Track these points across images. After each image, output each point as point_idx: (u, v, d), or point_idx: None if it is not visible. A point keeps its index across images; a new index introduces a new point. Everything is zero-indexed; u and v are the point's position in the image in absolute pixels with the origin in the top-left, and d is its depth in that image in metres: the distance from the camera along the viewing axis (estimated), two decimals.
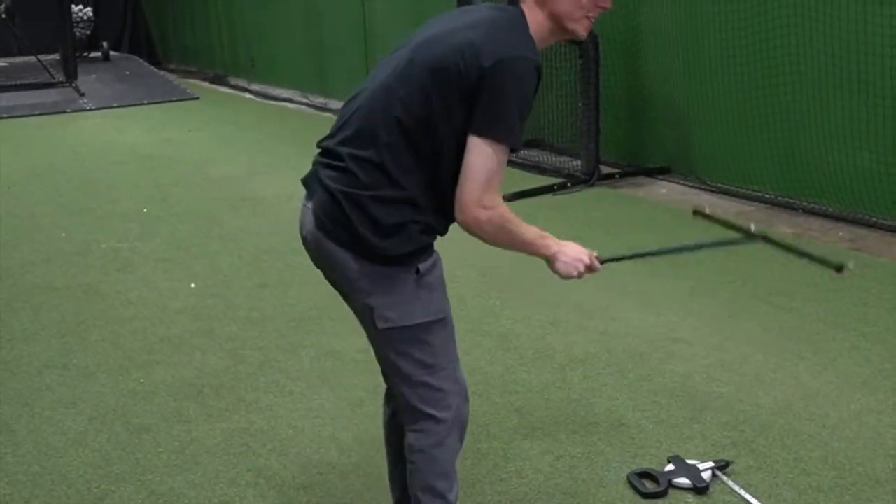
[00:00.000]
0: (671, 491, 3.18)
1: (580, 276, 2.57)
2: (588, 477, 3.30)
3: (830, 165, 6.08)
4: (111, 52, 15.65)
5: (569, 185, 7.23)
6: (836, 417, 3.63)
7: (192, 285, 5.40)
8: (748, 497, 3.13)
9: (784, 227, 6.02)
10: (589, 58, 7.15)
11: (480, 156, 2.29)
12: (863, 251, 5.55)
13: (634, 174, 7.43)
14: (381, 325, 2.44)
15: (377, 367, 4.30)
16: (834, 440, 3.47)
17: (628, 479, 3.26)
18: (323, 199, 2.40)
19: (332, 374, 4.18)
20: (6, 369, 4.36)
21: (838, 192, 6.05)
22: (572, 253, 2.54)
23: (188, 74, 15.34)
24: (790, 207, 6.28)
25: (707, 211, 2.74)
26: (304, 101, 12.10)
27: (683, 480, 3.22)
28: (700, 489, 3.18)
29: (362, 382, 4.04)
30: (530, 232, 2.48)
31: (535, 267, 5.56)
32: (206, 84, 14.47)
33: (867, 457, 3.35)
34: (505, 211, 2.37)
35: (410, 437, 2.60)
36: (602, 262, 2.62)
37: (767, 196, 6.51)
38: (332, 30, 11.73)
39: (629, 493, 3.19)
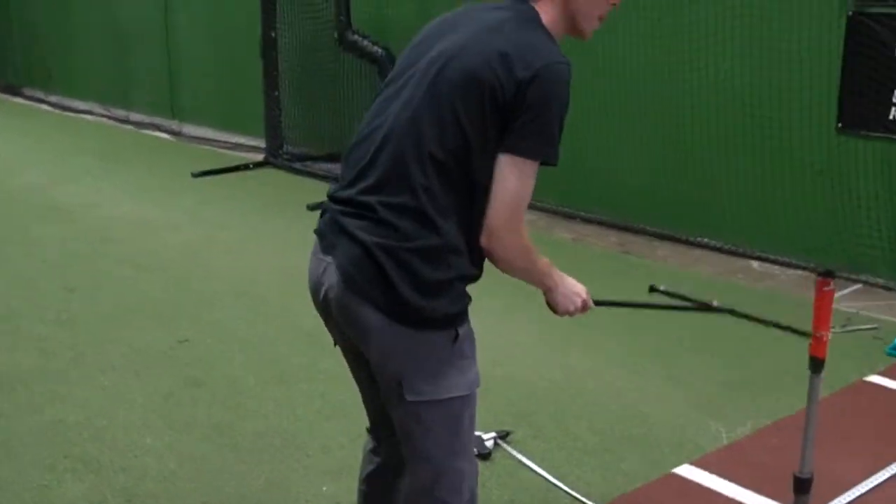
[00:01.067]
0: None
1: (576, 310, 2.42)
2: None
3: (607, 180, 6.75)
4: None
5: None
6: (602, 393, 4.17)
7: None
8: (525, 461, 3.59)
9: (564, 233, 6.64)
10: (386, 75, 7.52)
11: (517, 177, 2.07)
12: (631, 253, 6.23)
13: None
14: (410, 397, 2.15)
15: (184, 360, 4.59)
16: (598, 412, 4.00)
17: None
18: (354, 254, 2.11)
19: (142, 368, 4.38)
20: None
21: (612, 202, 6.73)
22: (572, 288, 2.40)
23: None
24: (569, 216, 6.91)
25: (662, 288, 2.74)
26: (105, 113, 11.97)
27: None
28: (484, 455, 3.60)
29: (170, 374, 4.29)
30: (542, 261, 2.29)
31: None
32: None
33: (625, 423, 3.89)
34: (528, 237, 2.19)
35: None
36: (595, 303, 2.49)
37: (549, 206, 7.11)
38: (135, 42, 11.68)
39: None
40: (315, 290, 2.26)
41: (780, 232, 5.92)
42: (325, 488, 3.40)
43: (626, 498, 3.35)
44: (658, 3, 6.23)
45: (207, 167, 8.60)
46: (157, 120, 11.07)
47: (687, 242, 6.34)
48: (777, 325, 2.73)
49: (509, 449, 3.66)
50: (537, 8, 2.20)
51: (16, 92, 14.11)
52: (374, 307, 2.10)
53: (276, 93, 8.73)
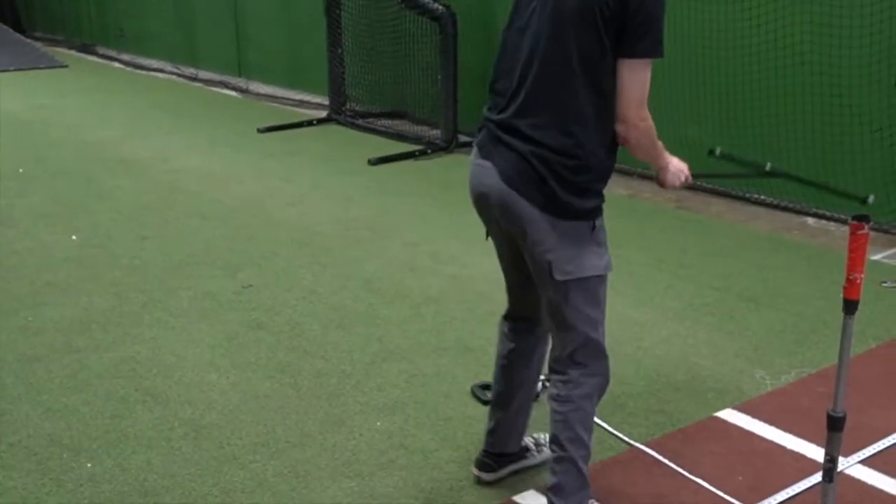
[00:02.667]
0: None
1: (681, 184, 2.87)
2: (438, 390, 3.84)
3: (664, 136, 6.76)
4: None
5: (429, 151, 7.76)
6: (649, 341, 4.28)
7: (74, 237, 5.70)
8: None
9: (621, 189, 6.70)
10: (447, 33, 7.67)
11: (637, 74, 2.50)
12: (686, 209, 6.29)
13: None
14: (559, 277, 2.61)
15: (249, 305, 4.81)
16: (646, 358, 4.11)
17: (472, 390, 3.82)
18: (511, 159, 2.59)
19: (209, 311, 4.60)
20: None
21: None
22: (679, 165, 2.85)
23: (55, 43, 15.19)
24: (625, 173, 6.96)
25: (719, 152, 3.02)
26: (175, 71, 12.25)
27: None
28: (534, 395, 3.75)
29: (236, 318, 4.50)
30: (660, 143, 2.73)
31: (391, 221, 6.11)
32: (73, 53, 14.39)
33: (671, 370, 4.00)
34: (652, 122, 2.59)
35: (560, 388, 2.78)
36: (694, 177, 2.93)
37: None
38: (203, 1, 11.92)
39: (471, 401, 3.75)
40: (476, 190, 2.75)
41: (837, 188, 5.91)
42: (378, 423, 3.58)
43: (668, 438, 3.47)
44: None
45: (273, 123, 8.82)
46: (225, 77, 11.33)
47: (742, 199, 6.38)
48: (829, 188, 3.09)
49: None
50: None
51: (90, 50, 14.50)
52: (530, 202, 2.57)
53: (340, 50, 8.88)
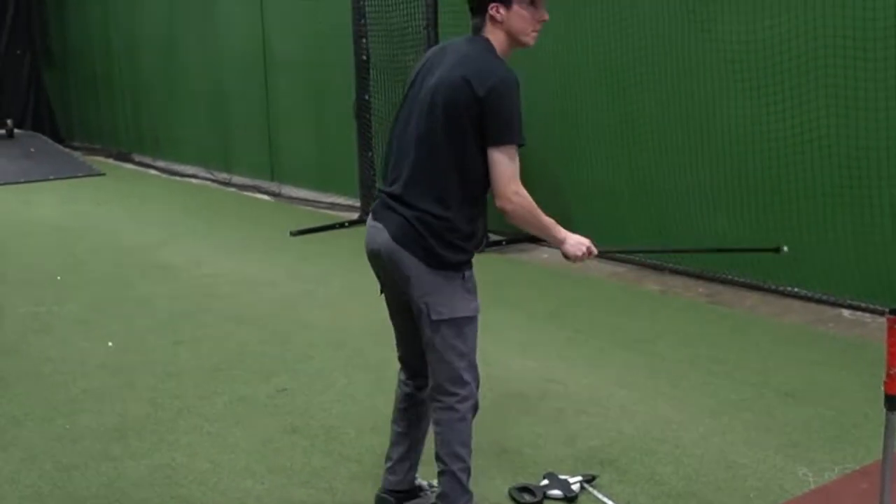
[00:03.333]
0: (546, 501, 3.70)
1: (583, 257, 3.30)
2: (475, 493, 3.78)
3: (692, 229, 6.82)
4: (15, 130, 15.79)
5: None
6: (687, 439, 4.22)
7: (110, 344, 5.76)
8: None
9: (652, 284, 6.70)
10: None
11: (503, 160, 3.05)
12: (719, 304, 6.26)
13: (519, 241, 8.05)
14: (434, 317, 3.18)
15: (284, 409, 4.81)
16: (684, 457, 4.05)
17: (509, 492, 3.78)
18: (397, 222, 3.17)
19: (244, 416, 4.61)
20: None
21: (699, 254, 6.78)
22: (578, 239, 3.31)
23: (92, 152, 15.57)
24: (657, 268, 6.98)
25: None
26: (209, 176, 12.50)
27: (556, 492, 3.75)
28: (570, 499, 3.71)
29: (271, 423, 4.50)
30: (547, 218, 3.23)
31: None
32: (110, 161, 14.72)
33: (711, 468, 3.94)
34: (530, 198, 3.11)
35: (438, 414, 3.33)
36: (599, 251, 3.35)
37: (637, 259, 7.19)
38: (237, 108, 12.22)
39: None
40: (369, 247, 3.30)
41: (869, 280, 5.89)
42: None
43: None
44: (744, 58, 6.33)
45: (305, 226, 8.94)
46: (258, 182, 11.53)
47: (776, 292, 6.34)
48: (738, 250, 3.36)
49: (595, 493, 3.75)
50: (489, 38, 3.17)
51: (126, 158, 14.84)
52: (412, 255, 3.14)
53: (370, 153, 9.04)
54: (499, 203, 3.10)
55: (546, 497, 3.73)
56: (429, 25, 8.00)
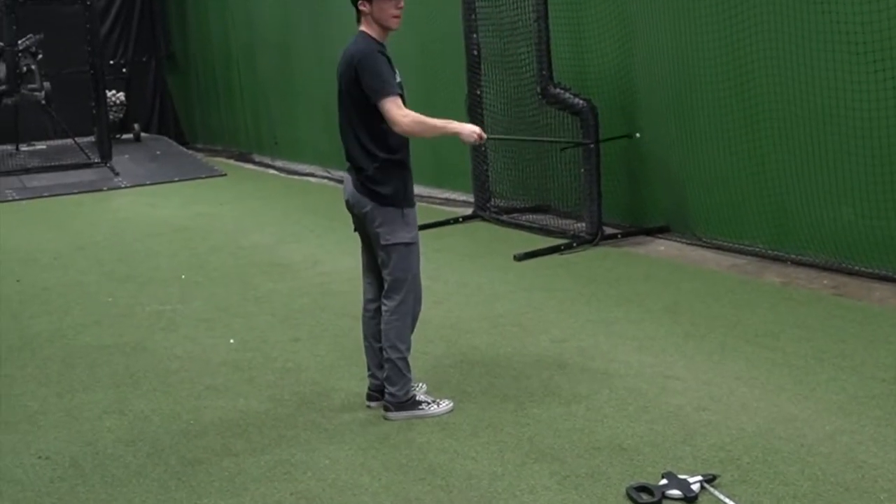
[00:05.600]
0: (665, 502, 3.62)
1: (476, 139, 4.53)
2: (591, 492, 3.74)
3: (815, 219, 6.59)
4: (142, 134, 16.41)
5: (574, 245, 7.73)
6: (813, 437, 4.07)
7: (232, 341, 5.90)
8: None
9: (774, 276, 6.50)
10: (589, 125, 7.71)
11: (387, 105, 4.27)
12: (846, 296, 6.02)
13: (635, 234, 7.93)
14: (384, 241, 4.45)
15: None
16: (810, 456, 3.91)
17: (627, 492, 3.71)
18: (354, 178, 4.49)
19: (361, 413, 4.66)
20: (70, 415, 4.87)
21: (823, 243, 6.55)
22: (470, 127, 4.55)
23: (214, 153, 16.04)
24: (779, 259, 6.76)
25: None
26: (326, 175, 12.69)
27: (675, 492, 3.66)
28: (690, 499, 3.61)
29: (388, 420, 4.53)
30: (438, 121, 4.46)
31: (538, 317, 6.08)
32: (232, 161, 15.13)
33: (839, 469, 3.78)
34: (415, 113, 4.31)
35: (384, 314, 4.52)
36: (488, 136, 4.81)
37: (758, 249, 6.99)
38: None
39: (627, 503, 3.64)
40: (345, 196, 4.58)
41: None
42: None
43: None
44: (866, 42, 6.07)
45: (420, 222, 8.96)
46: None
47: None
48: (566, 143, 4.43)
49: (716, 493, 3.64)
50: (364, 29, 4.41)
51: (247, 159, 15.23)
52: (365, 196, 4.43)
53: (483, 148, 9.03)
54: (396, 129, 4.28)
55: (665, 497, 3.64)
56: (539, 18, 7.94)
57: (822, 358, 4.98)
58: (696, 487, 3.67)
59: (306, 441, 4.37)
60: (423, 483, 3.90)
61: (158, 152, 15.42)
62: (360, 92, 4.30)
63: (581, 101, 7.79)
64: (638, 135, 4.11)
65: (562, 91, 7.94)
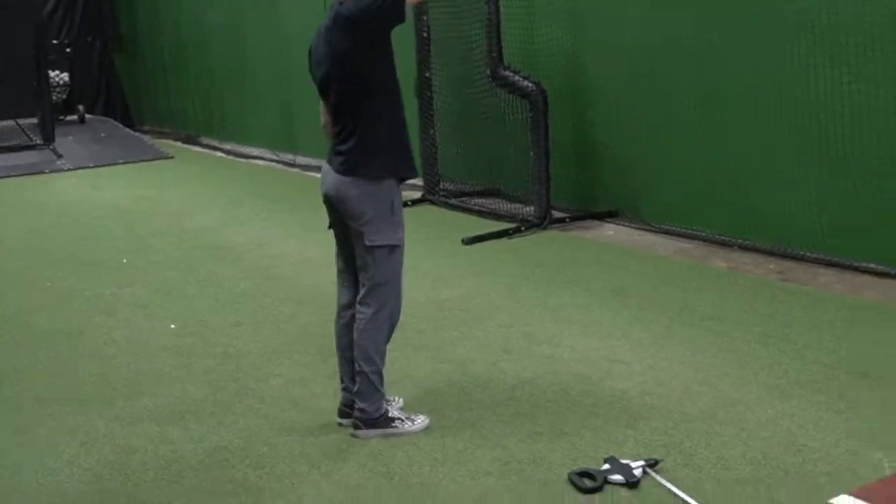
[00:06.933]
0: (607, 487, 3.58)
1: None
2: (533, 478, 3.70)
3: (763, 206, 6.59)
4: (87, 115, 16.06)
5: (523, 229, 7.69)
6: (755, 421, 4.07)
7: (172, 326, 5.78)
8: (675, 490, 3.53)
9: (720, 261, 6.51)
10: (539, 109, 7.66)
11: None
12: (791, 281, 6.05)
13: (584, 218, 7.90)
14: (368, 243, 3.96)
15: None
16: (751, 440, 3.90)
17: (569, 477, 3.67)
18: (337, 159, 4.02)
19: (300, 399, 4.58)
20: (7, 403, 4.74)
21: (769, 229, 6.56)
22: None
23: (162, 135, 15.76)
24: (726, 244, 6.77)
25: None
26: (274, 157, 12.54)
27: (617, 477, 3.62)
28: (632, 484, 3.58)
29: (328, 405, 4.44)
30: None
31: (484, 301, 6.04)
32: (179, 144, 14.88)
33: (780, 453, 3.78)
34: None
35: (358, 323, 4.06)
36: None
37: (706, 235, 7.00)
38: (301, 90, 12.20)
39: (570, 489, 3.60)
40: (322, 188, 4.09)
41: None
42: None
43: None
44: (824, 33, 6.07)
45: None
46: (322, 162, 11.51)
47: (851, 268, 6.09)
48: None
49: (658, 477, 3.62)
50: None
51: (194, 141, 15.00)
52: (349, 176, 3.95)
53: (432, 131, 8.95)
54: None
55: (607, 482, 3.60)
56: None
57: (767, 342, 4.98)
58: (638, 472, 3.64)
59: (245, 428, 4.29)
60: (364, 469, 3.84)
61: (103, 134, 15.10)
62: (352, 40, 3.85)
63: (531, 84, 7.73)
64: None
65: (511, 74, 7.87)
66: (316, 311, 5.91)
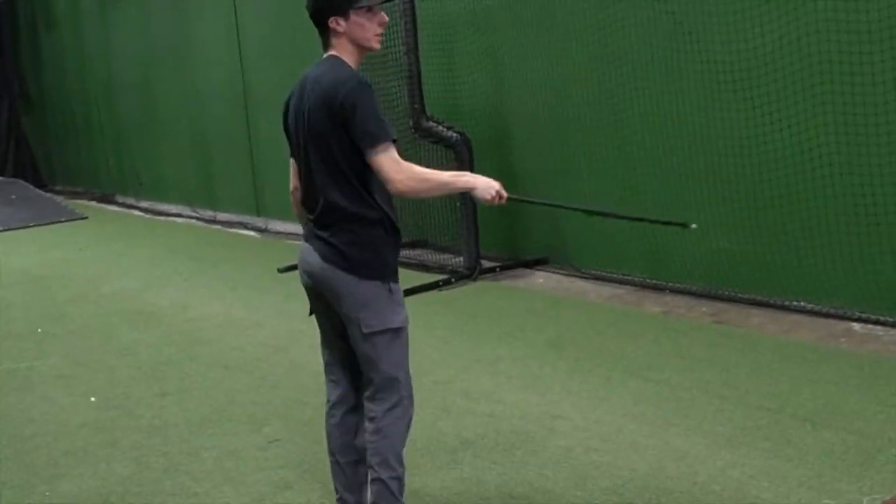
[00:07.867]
0: None
1: (494, 198, 3.28)
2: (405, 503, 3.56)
3: (690, 248, 6.60)
4: None
5: (453, 280, 7.58)
6: (705, 474, 3.98)
7: (93, 399, 5.50)
8: None
9: (654, 306, 6.48)
10: (463, 159, 7.60)
11: (381, 156, 3.14)
12: (725, 323, 6.03)
13: (514, 267, 7.83)
14: (366, 330, 3.31)
15: (276, 462, 4.56)
16: (703, 494, 3.81)
17: None
18: (323, 244, 3.33)
19: (234, 473, 4.35)
20: None
21: (699, 271, 6.56)
22: (486, 180, 3.29)
23: (75, 195, 15.37)
24: (657, 288, 6.76)
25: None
26: (194, 215, 12.28)
27: None
28: None
29: (263, 478, 4.24)
30: (446, 174, 3.33)
31: (419, 357, 5.86)
32: (94, 203, 14.51)
33: None
34: (416, 168, 3.17)
35: (371, 423, 3.40)
36: (509, 196, 3.33)
37: (637, 279, 6.98)
38: (219, 145, 12.01)
39: None
40: (303, 270, 3.44)
41: (880, 291, 5.67)
42: None
43: None
44: (733, 71, 6.14)
45: (293, 262, 8.68)
46: (244, 218, 11.30)
47: (782, 307, 6.12)
48: (648, 220, 3.61)
49: None
50: (336, 53, 3.31)
51: (109, 200, 14.64)
52: (340, 269, 3.28)
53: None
54: (392, 189, 3.17)
55: None
56: (409, 51, 7.81)
57: (707, 389, 4.93)
58: None
59: None
60: None
61: (14, 196, 14.66)
62: (343, 134, 3.17)
63: (454, 134, 7.68)
64: (694, 226, 3.66)
65: (434, 125, 7.81)
66: (244, 376, 5.70)
